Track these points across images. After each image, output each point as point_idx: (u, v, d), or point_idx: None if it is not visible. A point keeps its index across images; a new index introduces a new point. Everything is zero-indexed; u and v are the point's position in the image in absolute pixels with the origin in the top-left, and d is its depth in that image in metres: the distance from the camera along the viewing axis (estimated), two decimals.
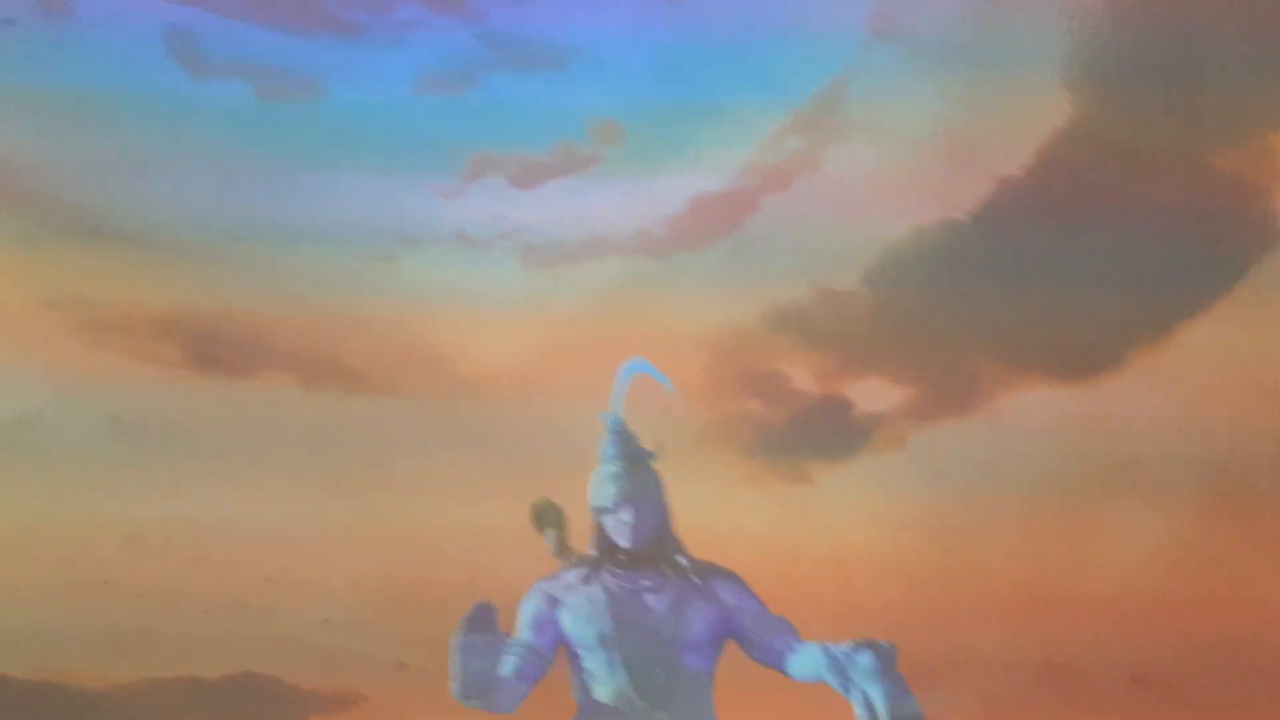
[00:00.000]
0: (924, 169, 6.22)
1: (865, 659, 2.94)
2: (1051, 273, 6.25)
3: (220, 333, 6.40)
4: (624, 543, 3.19)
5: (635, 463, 3.24)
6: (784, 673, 3.19)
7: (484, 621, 2.84)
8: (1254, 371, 6.19)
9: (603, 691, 3.07)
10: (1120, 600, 5.92)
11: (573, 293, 6.27)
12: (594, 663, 3.10)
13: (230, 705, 5.89)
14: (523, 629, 3.15)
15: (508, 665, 3.05)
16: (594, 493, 3.24)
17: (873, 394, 6.33)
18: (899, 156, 6.22)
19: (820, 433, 6.23)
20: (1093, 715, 5.78)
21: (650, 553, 3.20)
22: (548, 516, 3.36)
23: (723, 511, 5.32)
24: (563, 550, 3.32)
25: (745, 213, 6.42)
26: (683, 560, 3.21)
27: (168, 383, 6.31)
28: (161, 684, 5.99)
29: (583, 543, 3.37)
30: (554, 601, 3.17)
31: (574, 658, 3.15)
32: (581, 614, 3.13)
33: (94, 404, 6.26)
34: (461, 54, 6.40)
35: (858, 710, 2.95)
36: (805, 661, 3.11)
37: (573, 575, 3.22)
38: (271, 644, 5.91)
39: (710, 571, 3.22)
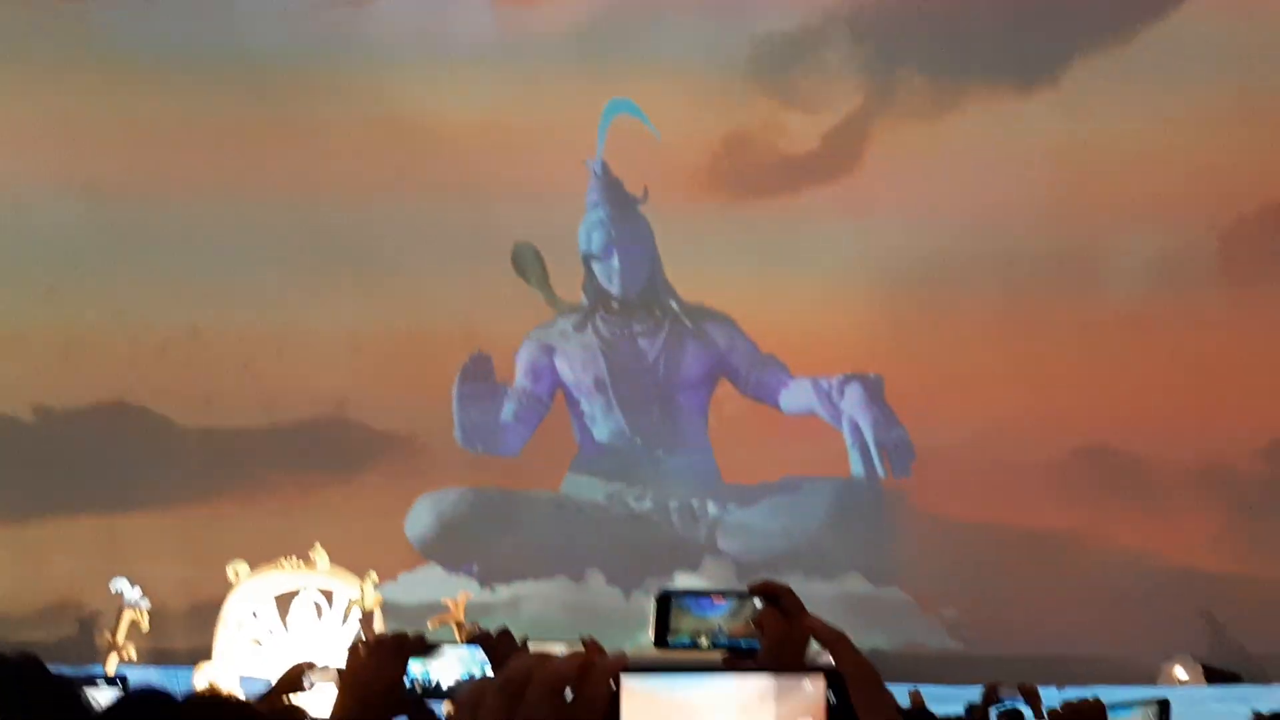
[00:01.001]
0: None
1: (854, 390, 3.03)
2: None
3: (192, 112, 6.31)
4: (614, 289, 3.24)
5: (622, 208, 3.26)
6: (775, 406, 3.28)
7: (481, 372, 2.91)
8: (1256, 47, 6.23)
9: (601, 432, 3.17)
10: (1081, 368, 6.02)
11: (550, 33, 6.06)
12: (592, 405, 3.20)
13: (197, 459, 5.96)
14: (521, 377, 3.24)
15: (508, 411, 3.15)
16: (582, 239, 3.28)
17: (853, 118, 6.26)
18: None
19: (804, 163, 6.18)
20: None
21: (642, 298, 3.25)
22: (525, 261, 3.40)
23: (709, 248, 5.31)
24: (554, 299, 3.37)
25: None
26: (674, 304, 3.27)
27: (137, 155, 6.30)
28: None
29: (575, 290, 3.41)
30: (549, 349, 3.25)
31: (572, 402, 3.25)
32: (577, 360, 3.21)
33: (81, 201, 6.33)
34: None
35: (847, 439, 3.05)
36: (796, 395, 3.21)
37: (566, 323, 3.28)
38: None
39: (702, 314, 3.29)
